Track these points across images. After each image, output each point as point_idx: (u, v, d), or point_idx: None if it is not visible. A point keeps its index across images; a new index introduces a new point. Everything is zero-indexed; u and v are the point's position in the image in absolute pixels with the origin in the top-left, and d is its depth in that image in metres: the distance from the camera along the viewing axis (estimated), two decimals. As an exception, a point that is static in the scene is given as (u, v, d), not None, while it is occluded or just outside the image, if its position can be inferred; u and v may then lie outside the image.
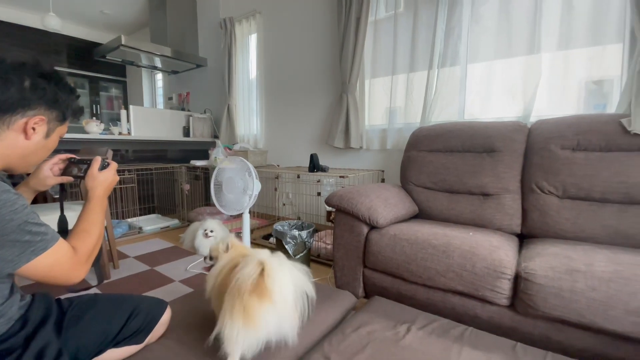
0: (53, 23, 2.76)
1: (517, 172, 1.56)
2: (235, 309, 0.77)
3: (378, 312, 1.22)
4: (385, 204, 1.50)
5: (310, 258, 1.95)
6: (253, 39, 3.09)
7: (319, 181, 2.10)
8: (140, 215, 3.02)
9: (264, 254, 0.84)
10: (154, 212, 3.20)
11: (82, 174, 0.88)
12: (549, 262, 1.05)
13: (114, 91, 4.95)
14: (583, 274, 0.98)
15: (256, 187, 1.83)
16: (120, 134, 2.90)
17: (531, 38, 1.75)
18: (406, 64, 2.15)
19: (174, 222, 2.94)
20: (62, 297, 0.92)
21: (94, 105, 4.68)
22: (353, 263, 1.47)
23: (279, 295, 0.79)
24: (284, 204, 2.82)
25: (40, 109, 0.71)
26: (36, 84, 0.69)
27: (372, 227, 1.45)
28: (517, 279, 1.09)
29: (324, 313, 1.21)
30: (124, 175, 2.65)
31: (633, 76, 1.45)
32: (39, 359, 0.68)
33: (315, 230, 1.93)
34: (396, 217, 1.52)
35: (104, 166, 0.90)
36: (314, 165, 2.00)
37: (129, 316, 0.94)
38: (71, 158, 0.92)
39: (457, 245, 1.21)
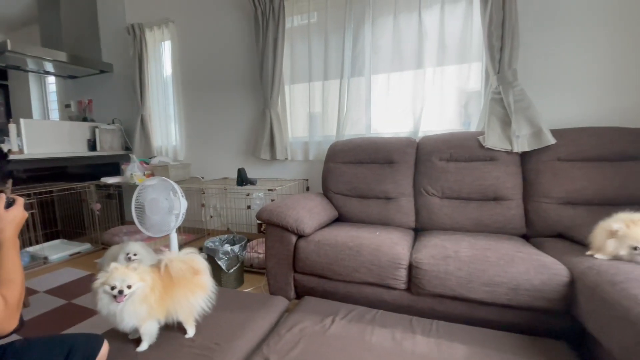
0: None
1: (410, 179, 1.94)
2: (192, 288, 1.22)
3: (307, 310, 1.42)
4: (310, 214, 1.71)
5: (244, 269, 2.06)
6: (167, 47, 2.98)
7: (248, 195, 2.20)
8: (44, 242, 2.66)
9: (167, 256, 1.24)
10: (58, 237, 2.85)
11: None
12: (431, 252, 1.40)
13: (-11, 96, 4.12)
14: (453, 259, 1.34)
15: (183, 205, 1.85)
16: (10, 152, 2.50)
17: (417, 59, 2.14)
18: (320, 73, 2.39)
19: (85, 246, 2.68)
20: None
21: (-42, 114, 3.83)
22: (284, 270, 1.65)
23: (204, 268, 1.27)
24: (211, 216, 2.83)
25: None
26: None
27: (300, 236, 1.64)
28: (411, 268, 1.41)
29: (261, 319, 1.36)
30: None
31: (486, 103, 1.94)
32: None
33: (247, 242, 2.04)
34: (320, 224, 1.75)
35: (9, 203, 0.85)
36: (242, 179, 2.10)
37: (67, 355, 0.94)
38: None
39: (367, 245, 1.48)
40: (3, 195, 0.84)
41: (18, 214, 0.87)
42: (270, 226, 1.66)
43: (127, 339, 1.22)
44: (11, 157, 2.43)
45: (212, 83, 2.84)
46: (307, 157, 2.49)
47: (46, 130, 2.79)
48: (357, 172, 2.04)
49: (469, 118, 2.16)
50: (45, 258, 2.38)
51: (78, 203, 2.93)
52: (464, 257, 1.33)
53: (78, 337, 1.03)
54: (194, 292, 1.24)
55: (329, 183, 2.11)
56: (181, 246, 2.62)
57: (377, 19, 2.25)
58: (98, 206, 2.83)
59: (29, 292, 1.91)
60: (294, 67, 2.49)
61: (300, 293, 1.67)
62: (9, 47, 2.48)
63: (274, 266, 1.67)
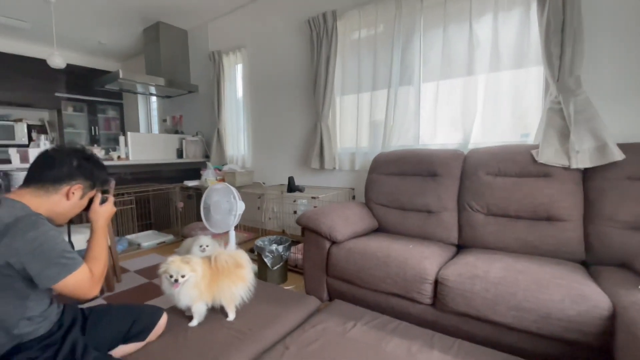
0: (57, 62, 3.07)
1: (454, 193, 1.88)
2: (235, 280, 1.43)
3: (334, 312, 1.52)
4: (345, 222, 1.81)
5: (288, 268, 2.26)
6: (239, 69, 3.42)
7: (295, 201, 2.41)
8: (139, 231, 3.30)
9: (216, 250, 1.49)
10: (151, 229, 3.49)
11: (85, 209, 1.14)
12: (458, 269, 1.37)
13: (111, 113, 5.25)
14: (480, 279, 1.29)
15: (240, 207, 2.13)
16: (119, 158, 3.20)
17: (468, 67, 2.07)
18: (369, 84, 2.48)
19: (169, 237, 3.22)
20: (82, 306, 1.22)
21: (92, 127, 4.97)
22: (318, 273, 1.78)
23: (246, 263, 1.46)
24: (269, 218, 3.12)
25: (80, 180, 1.02)
26: (81, 164, 1.02)
27: (333, 242, 1.76)
28: (437, 283, 1.40)
29: (292, 314, 1.51)
30: (123, 197, 2.94)
31: (544, 113, 1.78)
32: (72, 351, 0.96)
33: (292, 244, 2.23)
34: (355, 232, 1.83)
35: (103, 200, 1.13)
36: (291, 187, 2.31)
37: (134, 321, 1.23)
38: None
39: (395, 257, 1.52)
40: (99, 194, 1.14)
41: (108, 209, 1.15)
42: (307, 231, 1.81)
43: (184, 315, 1.49)
44: (119, 162, 3.11)
45: (273, 100, 3.16)
46: (353, 167, 2.59)
47: (146, 141, 3.47)
48: (398, 184, 2.06)
49: (528, 129, 2.00)
50: (139, 244, 2.97)
51: (167, 201, 3.54)
52: (492, 278, 1.27)
53: (145, 307, 1.33)
54: (235, 283, 1.46)
55: (370, 193, 2.17)
56: (241, 242, 2.98)
57: (427, 31, 2.25)
58: (181, 205, 3.38)
59: (123, 270, 2.42)
60: (345, 81, 2.63)
61: (332, 296, 1.77)
62: (121, 75, 3.19)
63: (309, 268, 1.81)
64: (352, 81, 2.58)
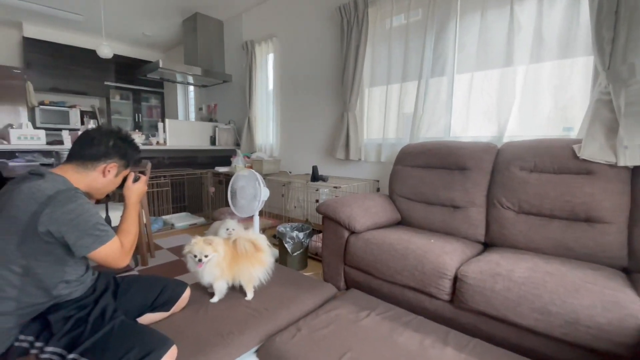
0: (106, 52, 3.31)
1: (484, 188, 1.79)
2: (254, 262, 1.50)
3: (349, 301, 1.53)
4: (365, 213, 1.80)
5: (308, 255, 2.29)
6: (270, 58, 3.46)
7: (317, 190, 2.42)
8: (174, 213, 3.51)
9: (238, 233, 1.59)
10: (184, 211, 3.70)
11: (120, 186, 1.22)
12: (480, 266, 1.31)
13: (153, 101, 5.58)
14: (503, 277, 1.23)
15: (264, 194, 2.19)
16: (157, 143, 3.40)
17: (506, 56, 1.94)
18: (399, 75, 2.40)
19: (200, 220, 3.40)
20: (116, 275, 1.32)
21: (136, 114, 5.31)
22: (336, 261, 1.79)
23: (265, 247, 1.54)
24: (294, 207, 3.18)
25: (115, 159, 1.10)
26: (116, 144, 1.10)
27: (352, 232, 1.75)
28: (456, 280, 1.35)
29: (307, 299, 1.55)
30: (159, 180, 3.14)
31: (590, 106, 1.63)
32: (103, 313, 1.05)
33: (313, 232, 2.26)
34: (375, 224, 1.81)
35: (136, 179, 1.22)
36: (314, 176, 2.33)
37: (160, 291, 1.33)
38: None
39: (413, 250, 1.49)
40: (132, 173, 1.23)
41: (140, 187, 1.23)
42: (326, 219, 1.82)
43: (207, 291, 1.57)
44: (157, 147, 3.31)
45: (302, 88, 3.17)
46: (379, 158, 2.55)
47: (182, 128, 3.66)
48: (424, 177, 2.00)
49: (571, 123, 1.84)
50: (173, 225, 3.16)
51: (200, 186, 3.72)
52: (516, 278, 1.21)
53: (170, 280, 1.42)
54: (254, 265, 1.51)
55: (394, 185, 2.13)
56: (266, 228, 3.07)
57: (464, 17, 2.12)
58: (212, 189, 3.54)
59: (156, 247, 2.60)
60: (374, 71, 2.57)
61: (349, 285, 1.78)
62: (161, 65, 3.36)
63: (327, 256, 1.83)
64: (382, 71, 2.52)
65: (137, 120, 5.32)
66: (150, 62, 4.49)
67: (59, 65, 4.46)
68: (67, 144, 2.79)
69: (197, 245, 1.45)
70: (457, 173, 1.87)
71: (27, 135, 2.42)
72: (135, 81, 5.09)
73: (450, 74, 2.20)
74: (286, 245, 2.06)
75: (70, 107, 4.65)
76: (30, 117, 4.15)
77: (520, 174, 1.66)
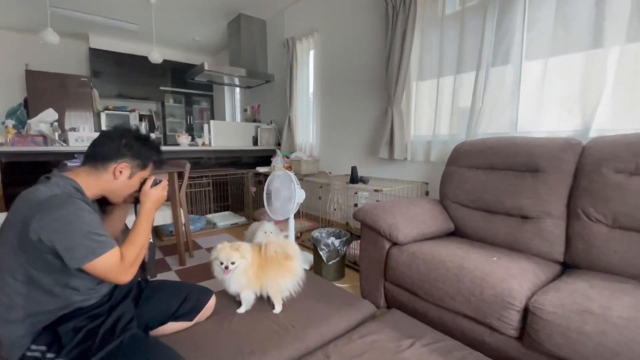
0: (156, 57, 3.48)
1: (563, 195, 1.44)
2: (282, 271, 1.36)
3: (389, 324, 1.31)
4: (410, 221, 1.56)
5: (346, 264, 2.10)
6: (311, 55, 3.34)
7: (356, 193, 2.22)
8: (217, 212, 3.57)
9: (267, 239, 1.44)
10: (228, 210, 3.74)
11: (138, 189, 1.09)
12: (562, 298, 1.01)
13: (204, 104, 5.84)
14: (595, 316, 0.93)
15: (299, 195, 2.06)
16: (203, 144, 3.48)
17: (593, 35, 1.56)
18: (453, 66, 2.10)
19: (241, 219, 3.39)
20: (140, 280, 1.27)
21: (188, 117, 5.59)
22: (375, 275, 1.58)
23: (296, 255, 1.38)
24: (334, 209, 3.01)
25: (126, 159, 1.00)
26: (129, 143, 1.00)
27: (394, 243, 1.53)
28: (527, 312, 1.07)
29: (341, 318, 1.36)
30: (201, 179, 3.19)
31: None
32: (115, 325, 0.96)
33: (352, 238, 2.07)
34: (422, 234, 1.57)
35: (155, 183, 1.10)
36: (353, 178, 2.13)
37: (183, 300, 1.25)
38: None
39: (470, 270, 1.22)
40: (152, 177, 1.11)
41: (158, 192, 1.09)
42: (365, 227, 1.62)
43: (235, 300, 1.47)
44: (202, 148, 3.37)
45: (343, 84, 2.99)
46: (428, 157, 2.26)
47: (226, 129, 3.70)
48: (484, 180, 1.69)
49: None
50: (214, 224, 3.19)
51: (242, 186, 3.74)
52: (615, 319, 0.90)
53: (195, 288, 1.34)
54: (283, 275, 1.37)
55: (447, 189, 1.85)
56: (304, 231, 2.95)
57: (535, -11, 1.76)
58: (253, 189, 3.52)
59: (196, 246, 2.61)
60: (423, 61, 2.29)
61: (390, 304, 1.56)
62: (206, 67, 3.43)
63: (365, 269, 1.62)
64: (432, 62, 2.23)
65: (188, 122, 5.60)
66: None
67: (120, 73, 4.86)
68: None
69: (223, 251, 1.35)
70: (528, 176, 1.54)
71: (83, 138, 2.60)
72: (187, 85, 5.35)
73: (517, 61, 1.85)
74: (321, 252, 1.90)
75: (130, 111, 5.03)
76: (97, 121, 4.56)
77: (615, 178, 1.30)
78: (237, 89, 5.08)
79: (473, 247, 1.47)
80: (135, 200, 1.13)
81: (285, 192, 2.11)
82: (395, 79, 2.29)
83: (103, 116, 4.71)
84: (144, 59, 4.90)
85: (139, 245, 0.99)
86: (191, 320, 1.27)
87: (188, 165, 2.25)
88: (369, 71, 2.71)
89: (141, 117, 5.12)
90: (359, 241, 2.24)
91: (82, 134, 2.59)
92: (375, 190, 1.94)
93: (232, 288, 1.38)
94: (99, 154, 0.98)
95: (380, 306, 1.58)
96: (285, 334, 1.23)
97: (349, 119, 2.95)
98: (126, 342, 0.91)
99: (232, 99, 5.38)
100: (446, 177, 1.87)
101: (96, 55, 4.67)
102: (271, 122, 3.97)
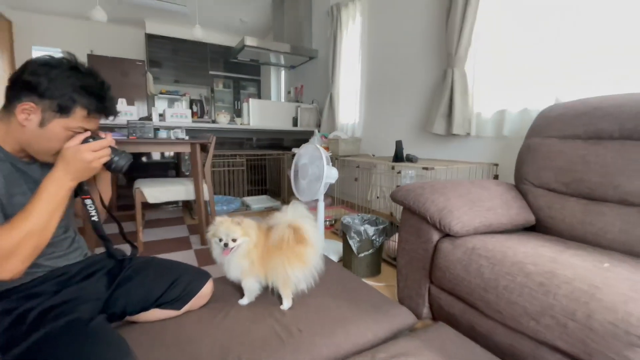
0: (198, 34, 3.41)
1: None
2: (290, 257, 1.04)
3: (433, 344, 0.93)
4: (471, 206, 1.14)
5: (384, 259, 1.72)
6: (357, 22, 2.94)
7: (399, 172, 1.80)
8: (252, 195, 3.41)
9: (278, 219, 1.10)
10: (265, 194, 3.57)
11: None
12: None
13: (251, 89, 5.81)
14: None
15: (329, 175, 1.73)
16: (242, 124, 3.33)
17: None
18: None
19: (276, 203, 3.19)
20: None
21: (235, 102, 5.60)
22: (417, 274, 1.19)
23: (311, 237, 1.06)
24: (377, 197, 2.62)
25: (34, 97, 0.70)
26: (35, 71, 0.70)
27: (446, 234, 1.12)
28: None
29: (364, 327, 1.02)
30: (235, 159, 3.04)
31: None
32: (58, 306, 0.75)
33: (392, 231, 1.68)
34: (487, 225, 1.13)
35: (88, 141, 0.74)
36: (397, 155, 1.72)
37: (169, 285, 1.01)
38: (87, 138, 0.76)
39: (567, 279, 0.78)
40: (87, 133, 0.76)
41: (82, 155, 0.71)
42: (405, 212, 1.23)
43: (240, 288, 1.21)
44: (240, 127, 3.22)
45: (392, 56, 2.55)
46: (500, 131, 1.75)
47: (266, 108, 3.51)
48: (585, 154, 1.19)
49: None
50: (248, 206, 3.02)
51: (279, 169, 3.53)
52: None
53: (188, 271, 1.09)
54: (290, 261, 1.07)
55: (526, 169, 1.36)
56: (337, 219, 2.61)
57: None
58: (290, 172, 3.28)
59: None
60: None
61: (436, 314, 1.16)
62: (246, 42, 3.25)
63: (404, 265, 1.24)
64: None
65: (236, 107, 5.60)
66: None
67: (173, 58, 5.00)
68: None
69: (222, 225, 1.09)
70: (663, 146, 1.01)
71: (124, 112, 2.61)
72: (236, 69, 5.32)
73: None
74: (350, 241, 1.55)
75: (182, 95, 5.16)
76: (152, 104, 4.75)
77: None
78: (283, 72, 4.89)
79: (567, 248, 1.00)
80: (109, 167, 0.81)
81: (313, 170, 1.81)
82: (459, 29, 1.80)
83: (156, 99, 4.90)
84: (196, 43, 5.00)
85: (26, 231, 0.65)
86: (178, 309, 1.03)
87: (213, 138, 2.06)
88: (423, 28, 2.24)
89: (192, 102, 5.23)
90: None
91: (120, 107, 2.60)
92: (425, 169, 1.52)
93: (232, 272, 1.11)
94: (8, 89, 0.72)
95: (422, 316, 1.19)
96: (287, 339, 0.93)
97: (397, 90, 2.51)
98: (58, 330, 0.69)
99: (278, 83, 5.22)
100: (526, 153, 1.38)
101: (152, 40, 4.84)
102: (313, 102, 3.68)
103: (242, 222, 1.11)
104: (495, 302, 0.89)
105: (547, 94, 1.56)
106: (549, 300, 0.78)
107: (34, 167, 0.79)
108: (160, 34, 4.90)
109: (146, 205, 2.89)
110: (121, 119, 2.43)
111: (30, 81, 0.69)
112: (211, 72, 5.26)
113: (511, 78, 1.70)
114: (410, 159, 1.74)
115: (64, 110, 0.72)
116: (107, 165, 0.81)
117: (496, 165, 1.78)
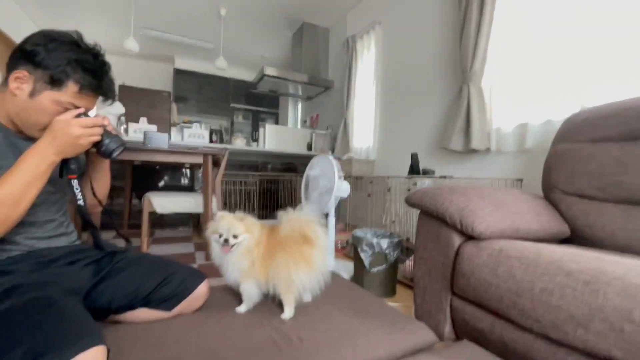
0: (222, 64, 3.63)
1: None
2: (295, 257, 0.94)
3: (457, 363, 0.78)
4: (496, 208, 1.03)
5: (399, 280, 1.56)
6: (372, 51, 3.05)
7: (415, 184, 1.70)
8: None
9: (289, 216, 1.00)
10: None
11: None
12: None
13: (269, 121, 6.03)
14: None
15: (340, 188, 1.67)
16: (257, 146, 3.39)
17: None
18: None
19: (288, 228, 3.10)
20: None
21: (254, 132, 5.79)
22: (437, 285, 1.05)
23: (320, 242, 0.96)
24: (392, 221, 2.49)
25: (29, 66, 0.69)
26: (30, 40, 0.70)
27: (469, 237, 1.00)
28: None
29: (376, 343, 0.88)
30: (247, 178, 3.03)
31: None
32: (16, 288, 0.68)
33: (407, 251, 1.55)
34: (515, 230, 1.01)
35: (80, 116, 0.72)
36: (413, 168, 1.65)
37: (161, 282, 0.93)
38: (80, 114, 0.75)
39: (617, 275, 0.65)
40: (79, 109, 0.74)
41: (70, 128, 0.68)
42: (422, 216, 1.13)
43: (235, 295, 1.10)
44: (256, 149, 3.27)
45: (406, 79, 2.60)
46: (522, 145, 1.66)
47: (281, 133, 3.58)
48: (621, 155, 1.08)
49: None
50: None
51: (292, 192, 3.49)
52: None
53: (182, 269, 1.01)
54: (295, 263, 0.96)
55: (556, 177, 1.25)
56: (348, 242, 2.47)
57: None
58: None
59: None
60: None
61: (461, 332, 1.00)
62: (265, 72, 3.41)
63: (423, 276, 1.11)
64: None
65: (254, 138, 5.77)
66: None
67: (197, 90, 5.34)
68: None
69: (224, 219, 1.01)
70: None
71: (141, 129, 2.70)
72: (255, 103, 5.56)
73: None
74: (362, 254, 1.42)
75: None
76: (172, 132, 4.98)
77: None
78: (300, 104, 5.07)
79: (610, 254, 0.87)
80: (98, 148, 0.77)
81: (324, 182, 1.75)
82: (474, 47, 1.81)
83: (178, 129, 5.13)
84: (219, 78, 5.31)
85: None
86: (168, 310, 0.94)
87: (226, 152, 2.07)
88: (436, 58, 2.28)
89: (212, 131, 5.43)
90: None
91: (141, 125, 2.69)
92: (442, 177, 1.43)
93: (230, 274, 1.01)
94: (9, 59, 0.71)
95: (444, 336, 1.03)
96: (285, 347, 0.81)
97: (412, 111, 2.50)
98: (20, 305, 0.61)
99: (295, 114, 5.39)
100: (554, 159, 1.28)
101: (179, 75, 5.22)
102: (327, 128, 3.73)
103: (245, 218, 1.04)
104: (531, 308, 0.75)
105: (571, 103, 1.49)
106: (598, 301, 0.65)
107: (29, 144, 0.73)
108: (188, 69, 5.27)
109: (156, 223, 2.87)
110: (139, 135, 2.51)
111: (29, 50, 0.68)
112: (232, 105, 5.53)
113: (532, 90, 1.65)
114: (426, 172, 1.66)
115: (55, 82, 0.70)
116: (98, 147, 0.77)
117: (520, 180, 1.67)
